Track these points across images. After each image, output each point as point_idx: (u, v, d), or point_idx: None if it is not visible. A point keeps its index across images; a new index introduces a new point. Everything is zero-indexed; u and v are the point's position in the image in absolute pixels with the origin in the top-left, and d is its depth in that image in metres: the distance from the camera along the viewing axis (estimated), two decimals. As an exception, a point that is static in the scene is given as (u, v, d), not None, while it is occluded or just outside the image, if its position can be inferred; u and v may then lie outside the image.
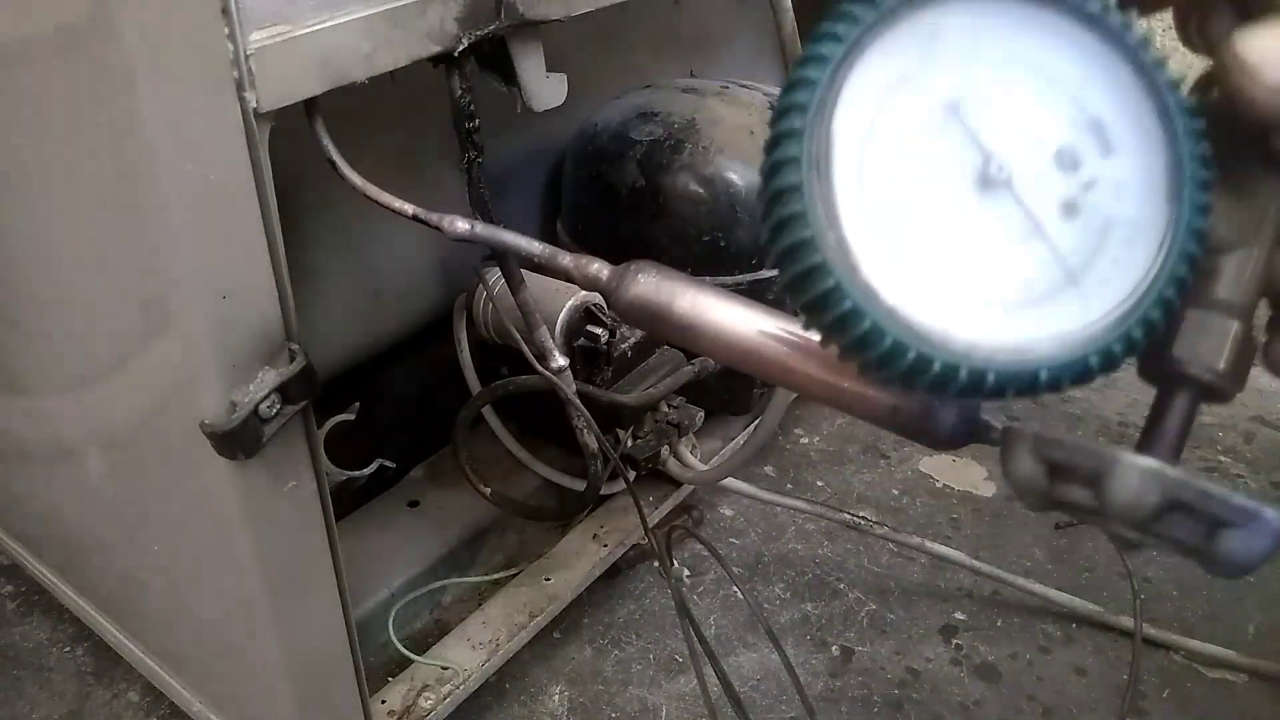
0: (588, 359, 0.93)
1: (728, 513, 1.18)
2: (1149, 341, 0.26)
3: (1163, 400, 0.27)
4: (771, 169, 0.25)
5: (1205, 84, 0.27)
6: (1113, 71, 0.26)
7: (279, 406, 0.56)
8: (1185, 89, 0.26)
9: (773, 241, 0.25)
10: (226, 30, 0.47)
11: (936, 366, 0.25)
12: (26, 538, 1.00)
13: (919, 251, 0.25)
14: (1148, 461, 0.24)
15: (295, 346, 0.56)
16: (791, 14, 0.76)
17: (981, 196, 0.26)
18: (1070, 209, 0.26)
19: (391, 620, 0.91)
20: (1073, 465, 0.26)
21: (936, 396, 0.26)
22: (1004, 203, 0.26)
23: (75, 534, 0.89)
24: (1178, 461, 0.26)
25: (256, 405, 0.55)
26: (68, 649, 1.00)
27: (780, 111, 0.25)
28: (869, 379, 0.28)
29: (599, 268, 0.38)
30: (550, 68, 0.65)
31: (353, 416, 0.67)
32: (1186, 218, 0.25)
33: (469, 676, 0.86)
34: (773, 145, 0.25)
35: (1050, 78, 0.26)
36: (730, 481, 1.07)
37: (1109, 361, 0.25)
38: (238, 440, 0.55)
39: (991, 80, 0.26)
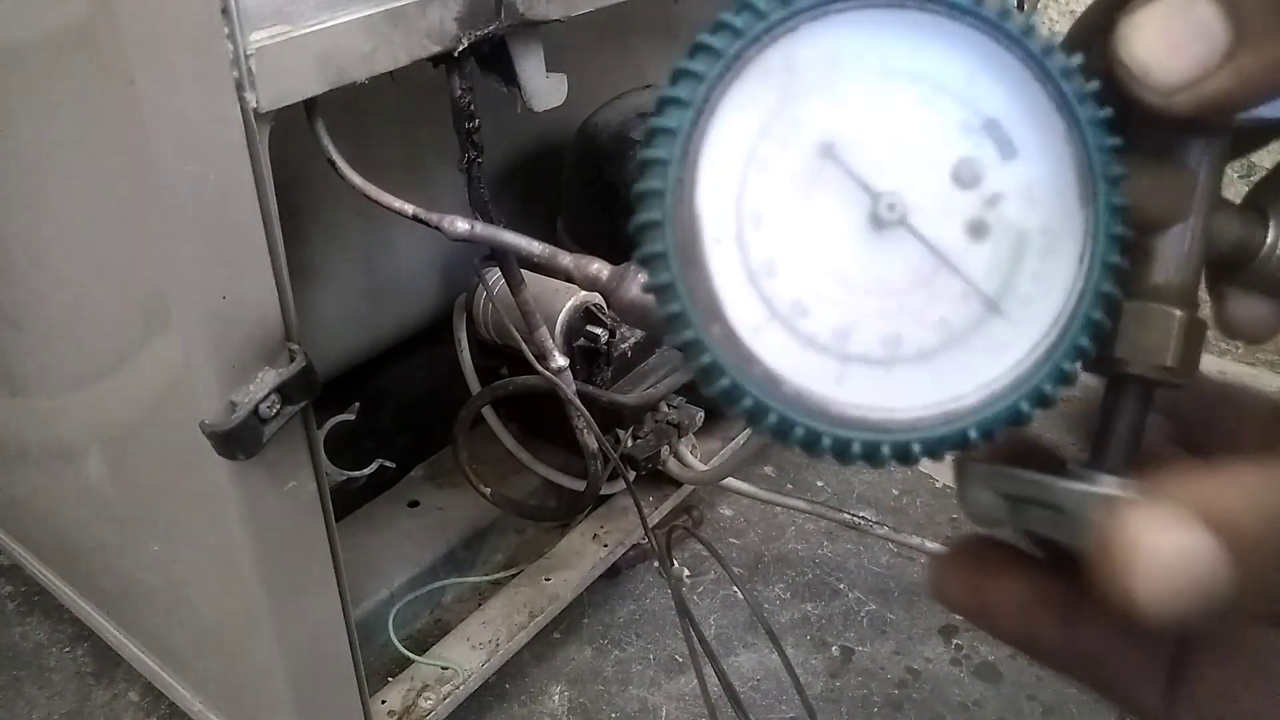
0: (588, 359, 0.93)
1: (727, 513, 1.18)
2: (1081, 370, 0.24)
3: (1110, 401, 0.25)
4: (642, 260, 0.23)
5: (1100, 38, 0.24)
6: (1000, 64, 0.23)
7: (279, 406, 0.56)
8: (1081, 76, 0.23)
9: (662, 334, 0.23)
10: (226, 30, 0.47)
11: (856, 448, 0.23)
12: (26, 538, 1.00)
13: (820, 320, 0.23)
14: (1101, 490, 0.23)
15: (295, 346, 0.56)
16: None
17: (878, 239, 0.23)
18: (978, 228, 0.23)
19: (391, 620, 0.91)
20: (1029, 496, 0.24)
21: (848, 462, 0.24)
22: (903, 241, 0.23)
23: (75, 534, 0.89)
24: (1130, 470, 0.24)
25: (256, 405, 0.55)
26: (67, 649, 1.00)
27: (636, 198, 0.22)
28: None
29: (599, 268, 0.38)
30: (550, 68, 0.65)
31: (353, 416, 0.67)
32: (1104, 223, 0.23)
33: (469, 676, 0.86)
34: (637, 236, 0.23)
35: (932, 83, 0.23)
36: (730, 481, 1.06)
37: (1042, 402, 0.23)
38: (237, 440, 0.55)
39: (864, 105, 0.23)
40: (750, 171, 0.23)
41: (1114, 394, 0.25)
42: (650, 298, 0.29)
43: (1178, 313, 0.24)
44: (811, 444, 0.23)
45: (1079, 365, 0.23)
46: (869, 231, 0.23)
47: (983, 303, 0.23)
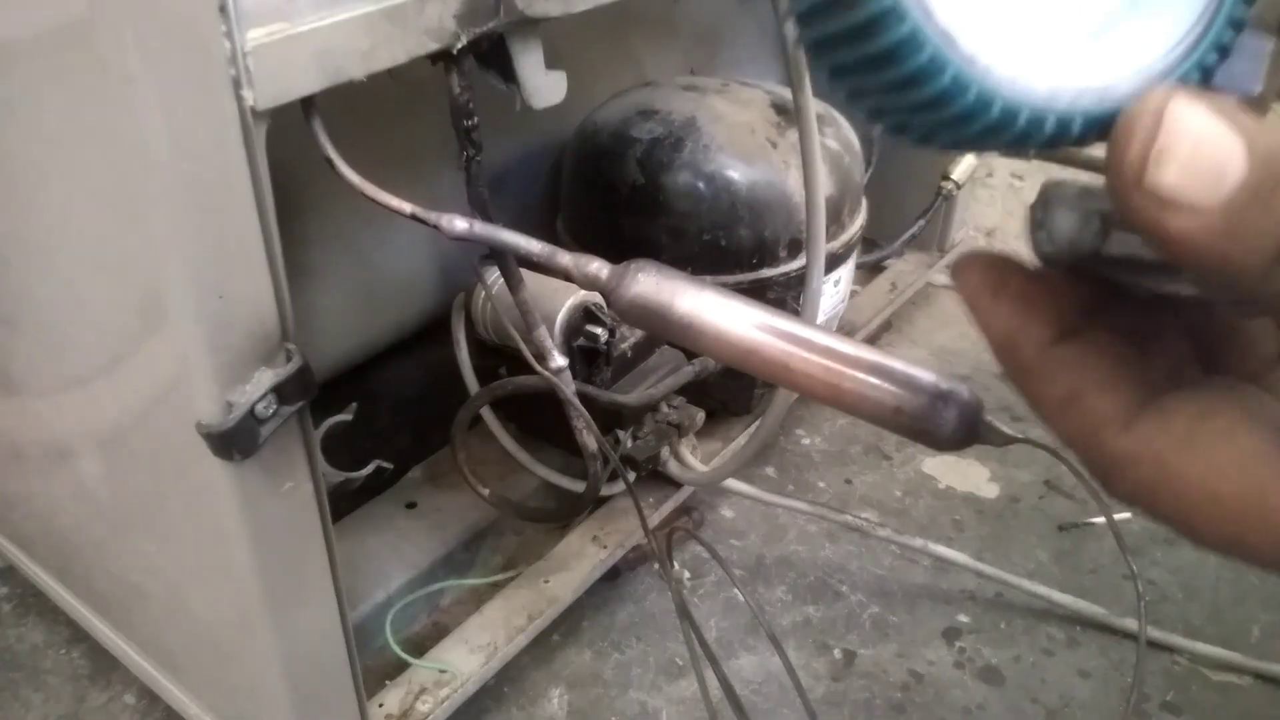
0: (587, 359, 0.92)
1: (728, 514, 1.18)
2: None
3: None
4: None
5: None
6: None
7: (275, 407, 0.56)
8: None
9: (833, 12, 0.22)
10: (224, 28, 0.47)
11: (1022, 119, 0.23)
12: (22, 539, 0.99)
13: None
14: None
15: (292, 346, 0.56)
16: (793, 12, 0.76)
17: None
18: None
19: (389, 623, 0.91)
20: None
21: (1014, 144, 0.24)
22: None
23: (71, 535, 0.88)
24: None
25: (253, 406, 0.54)
26: (63, 651, 1.00)
27: None
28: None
29: (598, 267, 0.37)
30: (549, 65, 0.65)
31: (350, 417, 0.66)
32: None
33: (467, 680, 0.86)
34: None
35: None
36: (731, 483, 1.06)
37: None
38: (234, 441, 0.54)
39: None
40: None
41: None
42: (648, 295, 0.28)
43: (1270, 41, 0.25)
44: (1007, 122, 0.23)
45: (1222, 58, 0.24)
46: None
47: None
